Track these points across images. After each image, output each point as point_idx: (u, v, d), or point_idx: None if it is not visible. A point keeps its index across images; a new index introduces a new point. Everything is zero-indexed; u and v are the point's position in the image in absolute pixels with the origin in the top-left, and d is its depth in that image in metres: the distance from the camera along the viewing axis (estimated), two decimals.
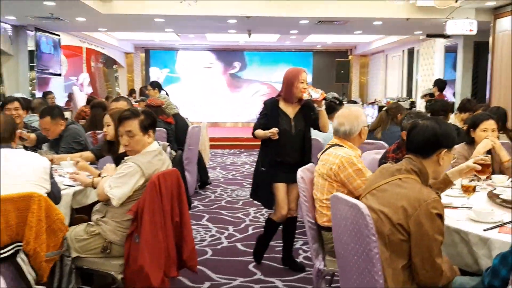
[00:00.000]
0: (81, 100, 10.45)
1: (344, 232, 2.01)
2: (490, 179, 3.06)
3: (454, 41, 8.85)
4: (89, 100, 8.87)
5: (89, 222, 2.66)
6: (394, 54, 12.86)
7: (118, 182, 2.51)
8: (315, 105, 3.45)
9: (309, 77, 14.54)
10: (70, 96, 10.67)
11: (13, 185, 2.13)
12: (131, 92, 13.00)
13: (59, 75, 9.29)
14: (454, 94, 9.14)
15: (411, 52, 11.70)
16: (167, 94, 7.07)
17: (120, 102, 4.41)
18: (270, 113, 3.48)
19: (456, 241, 2.21)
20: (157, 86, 6.88)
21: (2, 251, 2.07)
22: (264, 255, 3.78)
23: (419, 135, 2.03)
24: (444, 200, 2.60)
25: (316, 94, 3.34)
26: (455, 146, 3.42)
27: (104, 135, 3.30)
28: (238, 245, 4.21)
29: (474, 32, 7.09)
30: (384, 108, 4.80)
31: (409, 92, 11.68)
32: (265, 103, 3.59)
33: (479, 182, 2.86)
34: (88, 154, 3.72)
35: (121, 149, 3.13)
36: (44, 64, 8.59)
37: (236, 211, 5.33)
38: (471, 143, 3.39)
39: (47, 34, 8.68)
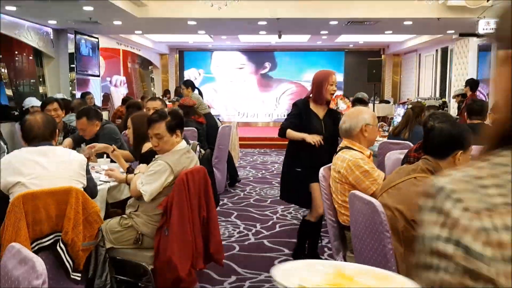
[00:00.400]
0: (117, 100, 10.82)
1: (361, 228, 2.11)
2: None
3: (488, 40, 8.69)
4: (124, 100, 9.20)
5: (123, 216, 2.84)
6: (427, 54, 12.69)
7: (149, 179, 2.68)
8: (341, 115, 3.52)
9: (340, 77, 14.72)
10: (107, 97, 11.06)
11: (53, 180, 2.32)
12: (166, 92, 13.33)
13: (98, 76, 9.66)
14: (488, 95, 8.97)
15: (444, 52, 11.52)
16: (200, 93, 7.26)
17: (156, 101, 4.60)
18: (303, 113, 3.51)
19: None
20: (190, 85, 7.05)
21: (43, 240, 2.26)
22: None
23: (435, 138, 2.09)
24: None
25: (344, 105, 3.44)
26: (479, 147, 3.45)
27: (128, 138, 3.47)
28: (265, 241, 4.34)
29: None
30: (409, 107, 4.82)
31: (443, 92, 11.51)
32: (296, 103, 3.62)
33: None
34: (128, 153, 3.87)
35: (144, 149, 3.30)
36: (83, 65, 8.97)
37: (264, 209, 5.45)
38: None
39: (86, 37, 9.06)
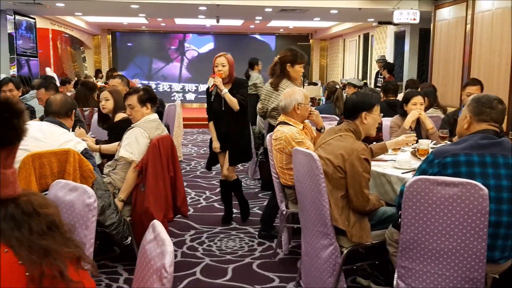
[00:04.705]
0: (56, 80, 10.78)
1: (302, 174, 2.79)
2: (417, 142, 3.91)
3: (403, 28, 9.79)
4: (64, 81, 9.32)
5: (102, 175, 3.34)
6: (351, 39, 13.75)
7: (133, 145, 3.18)
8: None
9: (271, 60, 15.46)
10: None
11: (54, 142, 2.81)
12: (97, 72, 13.39)
13: (36, 57, 9.65)
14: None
15: (366, 37, 12.61)
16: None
17: (115, 80, 5.00)
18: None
19: (383, 182, 3.03)
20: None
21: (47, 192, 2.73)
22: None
23: (346, 105, 2.84)
24: (379, 156, 3.45)
25: (210, 83, 4.07)
26: (392, 118, 4.28)
27: (102, 108, 3.92)
28: (215, 204, 4.97)
29: (417, 21, 8.01)
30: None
31: (364, 74, 12.63)
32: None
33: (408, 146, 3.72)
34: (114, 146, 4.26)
35: (116, 118, 3.78)
36: (22, 46, 8.96)
37: (211, 179, 6.07)
38: (404, 115, 4.20)
39: (25, 18, 9.03)
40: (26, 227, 0.99)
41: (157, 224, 1.35)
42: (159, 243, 1.25)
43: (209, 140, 4.35)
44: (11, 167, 1.04)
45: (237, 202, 4.39)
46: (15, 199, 1.02)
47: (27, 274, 0.94)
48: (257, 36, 15.85)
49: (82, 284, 1.03)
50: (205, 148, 8.47)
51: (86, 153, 2.94)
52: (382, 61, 9.34)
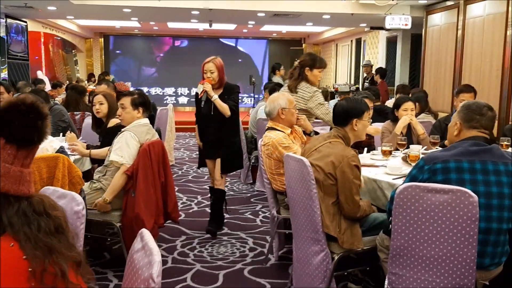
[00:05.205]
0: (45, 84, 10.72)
1: (293, 180, 2.79)
2: (408, 147, 3.92)
3: (395, 33, 9.85)
4: (55, 85, 9.26)
5: (92, 180, 3.32)
6: (344, 44, 13.81)
7: (123, 149, 3.16)
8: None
9: (264, 64, 15.54)
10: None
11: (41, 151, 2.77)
12: (90, 76, 13.33)
13: (27, 60, 9.59)
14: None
15: (358, 42, 12.67)
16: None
17: (102, 85, 4.99)
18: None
19: (374, 187, 3.04)
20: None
21: None
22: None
23: (335, 112, 2.83)
24: (369, 161, 3.46)
25: (199, 90, 4.01)
26: (383, 124, 4.30)
27: (97, 112, 3.90)
28: (207, 209, 4.94)
29: (409, 27, 8.06)
30: None
31: (356, 79, 12.68)
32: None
33: (400, 150, 3.73)
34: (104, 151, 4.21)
35: (110, 124, 3.77)
36: (13, 49, 8.91)
37: (203, 184, 6.05)
38: (395, 120, 4.21)
39: (16, 21, 8.98)
40: (35, 224, 1.04)
41: (145, 233, 1.34)
42: (147, 253, 1.24)
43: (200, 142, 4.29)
44: (29, 167, 1.12)
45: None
46: (29, 198, 1.09)
47: (29, 269, 0.98)
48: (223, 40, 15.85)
49: (80, 287, 1.07)
50: (197, 152, 8.43)
51: (62, 152, 2.93)
52: (368, 66, 9.47)
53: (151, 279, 1.16)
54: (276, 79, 7.82)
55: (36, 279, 0.98)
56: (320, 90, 4.12)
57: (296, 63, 4.13)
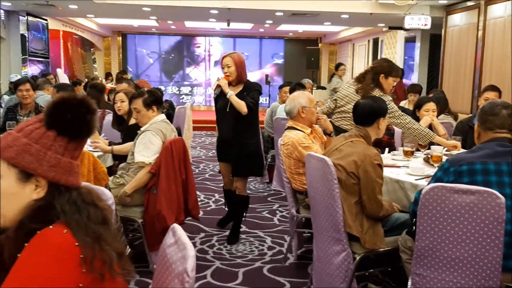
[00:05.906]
0: (64, 81, 10.86)
1: (315, 179, 2.79)
2: (430, 148, 3.89)
3: (413, 33, 9.76)
4: (74, 83, 9.37)
5: (115, 175, 3.36)
6: (360, 43, 13.73)
7: (148, 148, 3.19)
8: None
9: (279, 64, 15.54)
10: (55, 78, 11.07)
11: None
12: (108, 75, 13.45)
13: (47, 57, 9.73)
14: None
15: (375, 42, 12.59)
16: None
17: (123, 84, 5.04)
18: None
19: (396, 188, 3.02)
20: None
21: None
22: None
23: (361, 111, 2.81)
24: (391, 162, 3.44)
25: (214, 85, 3.89)
26: None
27: (118, 110, 3.95)
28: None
29: (428, 27, 7.99)
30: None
31: None
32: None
33: (421, 151, 3.71)
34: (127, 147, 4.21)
35: (132, 121, 3.81)
36: (34, 47, 9.05)
37: (220, 182, 6.05)
38: (417, 120, 4.19)
39: (37, 19, 9.12)
40: (85, 213, 1.09)
41: (177, 228, 1.36)
42: (180, 247, 1.26)
43: (216, 141, 4.21)
44: (77, 160, 1.16)
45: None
46: (78, 188, 1.14)
47: (81, 255, 1.01)
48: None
49: (122, 278, 1.11)
50: (213, 151, 8.49)
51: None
52: None
53: (186, 274, 1.17)
54: (335, 79, 7.87)
55: (86, 265, 1.01)
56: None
57: (368, 67, 3.94)
